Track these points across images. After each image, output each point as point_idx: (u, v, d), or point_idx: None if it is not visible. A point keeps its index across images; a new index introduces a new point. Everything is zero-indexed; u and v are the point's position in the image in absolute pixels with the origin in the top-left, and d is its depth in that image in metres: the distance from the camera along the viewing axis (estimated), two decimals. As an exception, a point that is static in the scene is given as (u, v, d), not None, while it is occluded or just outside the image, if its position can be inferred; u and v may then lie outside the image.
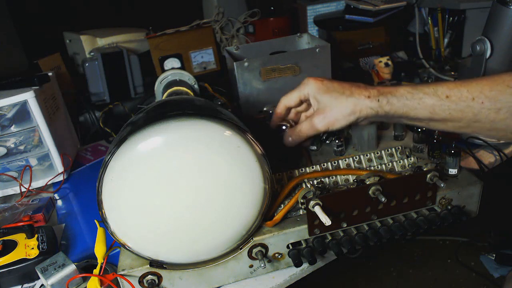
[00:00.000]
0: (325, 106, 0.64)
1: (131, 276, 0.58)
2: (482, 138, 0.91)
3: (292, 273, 0.64)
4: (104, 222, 0.54)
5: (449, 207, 0.65)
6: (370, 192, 0.59)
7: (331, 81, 0.65)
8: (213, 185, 0.54)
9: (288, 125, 0.75)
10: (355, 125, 0.77)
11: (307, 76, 0.97)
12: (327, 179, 0.68)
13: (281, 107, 0.71)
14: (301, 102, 0.70)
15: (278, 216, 0.61)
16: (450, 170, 0.69)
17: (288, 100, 0.70)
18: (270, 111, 0.90)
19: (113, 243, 0.62)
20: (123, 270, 0.58)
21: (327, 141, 0.82)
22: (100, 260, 0.59)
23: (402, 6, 1.38)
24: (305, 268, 0.65)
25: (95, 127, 1.23)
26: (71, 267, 0.62)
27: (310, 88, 0.66)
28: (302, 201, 0.61)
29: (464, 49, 1.35)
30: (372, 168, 0.71)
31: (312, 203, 0.56)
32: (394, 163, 0.72)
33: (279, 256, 0.63)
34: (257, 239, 0.60)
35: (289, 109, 0.73)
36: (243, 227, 0.57)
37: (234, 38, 1.49)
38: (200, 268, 0.60)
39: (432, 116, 0.59)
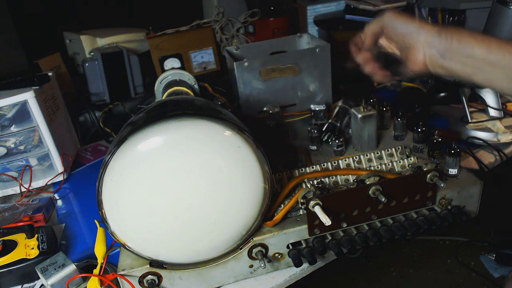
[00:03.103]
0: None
1: (131, 276, 0.58)
2: (482, 138, 0.91)
3: (292, 273, 0.64)
4: (104, 222, 0.54)
5: (449, 207, 0.65)
6: (370, 192, 0.59)
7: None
8: (213, 185, 0.54)
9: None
10: (356, 124, 0.77)
11: (307, 76, 0.98)
12: (327, 179, 0.68)
13: (368, 34, 0.72)
14: (381, 30, 0.70)
15: (278, 216, 0.61)
16: (450, 170, 0.69)
17: (370, 27, 0.71)
18: (270, 111, 0.90)
19: (113, 243, 0.62)
20: (123, 270, 0.58)
21: (328, 141, 0.82)
22: (100, 260, 0.59)
23: (402, 6, 1.38)
24: (305, 268, 0.65)
25: (95, 127, 1.23)
26: (71, 267, 0.62)
27: (387, 16, 0.68)
28: (302, 201, 0.61)
29: (464, 49, 1.35)
30: (372, 168, 0.71)
31: (312, 203, 0.56)
32: (394, 163, 0.72)
33: (279, 256, 0.63)
34: (257, 239, 0.60)
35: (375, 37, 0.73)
36: (243, 227, 0.57)
37: (234, 38, 1.49)
38: (200, 268, 0.60)
39: (487, 56, 0.59)
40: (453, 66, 0.63)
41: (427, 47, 0.62)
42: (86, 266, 0.69)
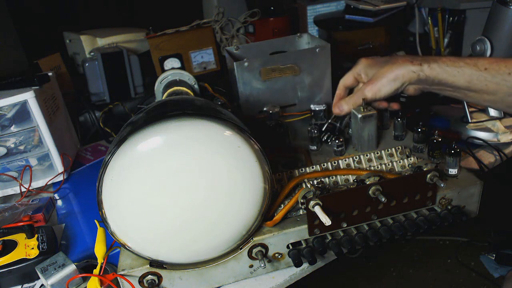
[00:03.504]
0: (372, 76, 0.69)
1: (131, 276, 0.58)
2: (482, 138, 0.91)
3: (292, 273, 0.64)
4: (104, 222, 0.54)
5: (449, 207, 0.65)
6: (370, 192, 0.59)
7: (381, 57, 0.71)
8: (213, 185, 0.54)
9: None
10: (356, 124, 0.77)
11: (307, 76, 0.98)
12: (327, 179, 0.68)
13: (340, 88, 0.77)
14: (356, 81, 0.75)
15: (278, 216, 0.61)
16: (450, 170, 0.69)
17: (345, 80, 0.76)
18: (270, 111, 0.90)
19: (113, 243, 0.62)
20: (123, 270, 0.58)
21: (328, 141, 0.82)
22: (100, 260, 0.59)
23: (402, 6, 1.38)
24: (305, 268, 0.65)
25: (95, 127, 1.23)
26: (71, 267, 0.62)
27: (361, 65, 0.72)
28: (302, 201, 0.61)
29: (464, 49, 1.35)
30: (372, 168, 0.71)
31: (312, 203, 0.56)
32: (394, 163, 0.72)
33: (279, 256, 0.63)
34: (257, 239, 0.60)
35: (347, 89, 0.78)
36: (243, 227, 0.57)
37: (234, 38, 1.49)
38: (200, 268, 0.60)
39: (470, 86, 0.62)
40: (443, 93, 0.67)
41: (415, 84, 0.67)
42: (86, 266, 0.69)
